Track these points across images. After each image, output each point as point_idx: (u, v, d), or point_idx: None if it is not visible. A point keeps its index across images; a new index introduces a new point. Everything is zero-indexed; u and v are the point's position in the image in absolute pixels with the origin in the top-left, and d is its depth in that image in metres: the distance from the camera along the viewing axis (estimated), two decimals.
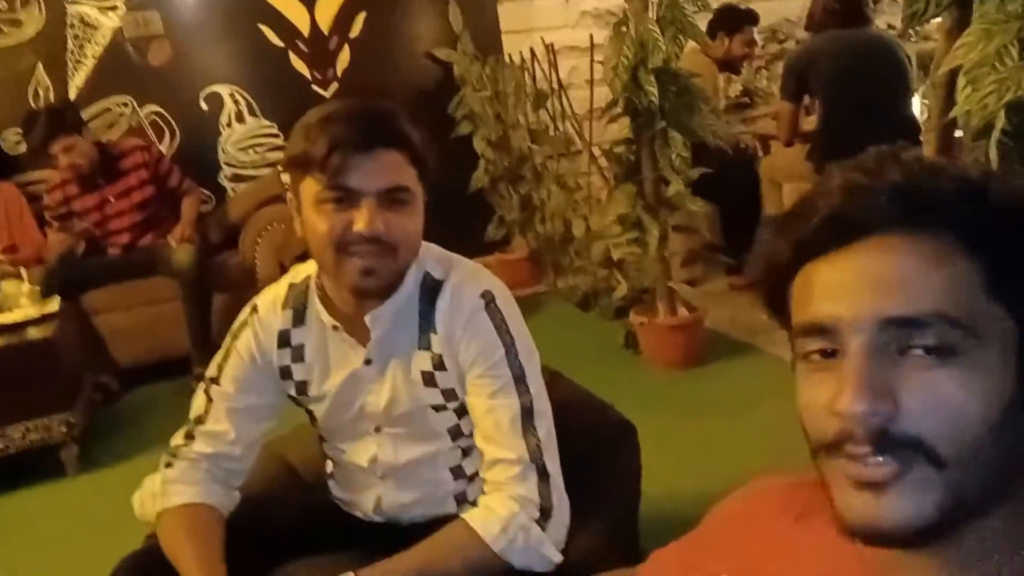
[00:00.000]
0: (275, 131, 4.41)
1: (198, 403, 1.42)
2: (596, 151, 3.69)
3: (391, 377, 1.34)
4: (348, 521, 1.49)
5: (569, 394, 1.64)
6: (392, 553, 1.25)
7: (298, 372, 1.39)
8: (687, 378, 3.11)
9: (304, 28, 4.39)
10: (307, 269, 1.39)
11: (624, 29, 2.98)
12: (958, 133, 1.90)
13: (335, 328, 1.33)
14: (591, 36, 3.77)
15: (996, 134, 1.60)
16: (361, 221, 1.20)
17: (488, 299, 1.32)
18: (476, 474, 1.41)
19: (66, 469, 3.00)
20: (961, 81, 1.73)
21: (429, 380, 1.33)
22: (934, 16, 1.81)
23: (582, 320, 3.87)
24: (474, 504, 1.40)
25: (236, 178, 4.43)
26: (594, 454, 1.54)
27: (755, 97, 5.19)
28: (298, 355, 1.38)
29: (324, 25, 4.42)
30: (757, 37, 4.35)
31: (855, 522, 0.59)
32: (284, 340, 1.38)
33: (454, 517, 1.40)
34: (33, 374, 2.95)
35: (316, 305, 1.35)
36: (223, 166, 4.41)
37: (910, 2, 1.76)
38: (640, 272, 3.20)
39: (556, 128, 4.02)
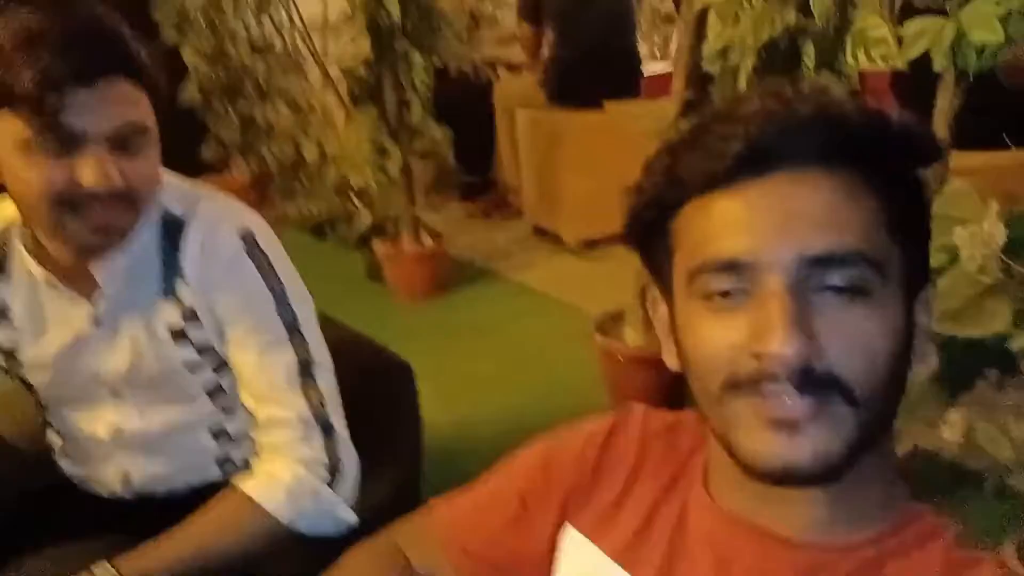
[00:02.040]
0: None
1: None
2: (331, 70, 3.46)
3: (129, 336, 1.15)
4: (89, 501, 1.28)
5: (336, 336, 1.51)
6: (150, 533, 1.09)
7: (3, 337, 1.14)
8: (435, 307, 3.09)
9: None
10: (7, 209, 1.12)
11: None
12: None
13: (51, 282, 1.10)
14: None
15: (747, 71, 1.69)
16: (89, 173, 0.98)
17: (248, 240, 1.15)
18: (240, 434, 1.26)
19: None
20: (712, 18, 1.80)
21: (179, 336, 1.15)
22: None
23: (318, 249, 3.68)
24: (242, 468, 1.27)
25: None
26: (372, 400, 1.45)
27: (480, 20, 5.17)
28: (2, 316, 1.13)
29: None
30: None
31: (766, 462, 0.58)
32: None
33: (219, 484, 1.25)
34: None
35: (22, 254, 1.11)
36: None
37: None
38: (384, 200, 3.08)
39: (284, 42, 3.71)
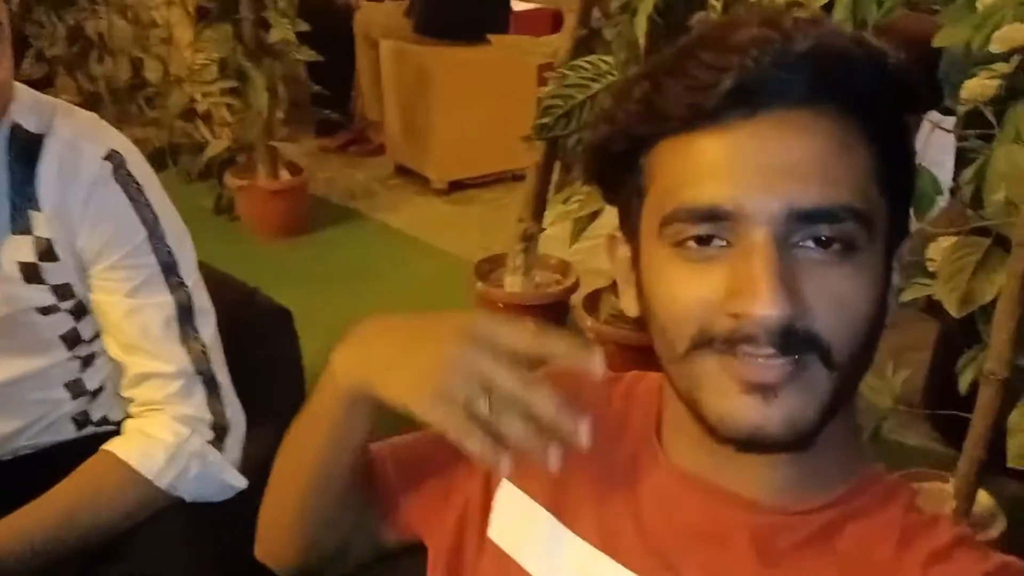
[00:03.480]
0: None
1: None
2: None
3: None
4: None
5: (207, 278, 1.37)
6: None
7: None
8: (294, 248, 2.92)
9: None
10: None
11: None
12: None
13: None
14: None
15: (648, 9, 1.63)
16: None
17: (116, 162, 1.00)
18: (101, 388, 1.12)
19: None
20: None
21: (32, 275, 1.00)
22: None
23: (160, 181, 3.38)
24: (101, 426, 1.13)
25: None
26: (249, 349, 1.32)
27: None
28: None
29: None
30: None
31: (735, 426, 0.54)
32: None
33: (75, 444, 1.11)
34: None
35: None
36: None
37: None
38: (240, 127, 2.84)
39: None
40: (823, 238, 0.52)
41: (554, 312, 2.23)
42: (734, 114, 0.52)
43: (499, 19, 3.59)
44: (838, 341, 0.53)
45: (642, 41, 1.66)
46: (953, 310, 1.31)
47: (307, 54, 2.77)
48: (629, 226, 0.61)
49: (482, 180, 3.49)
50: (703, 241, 0.54)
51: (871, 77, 0.54)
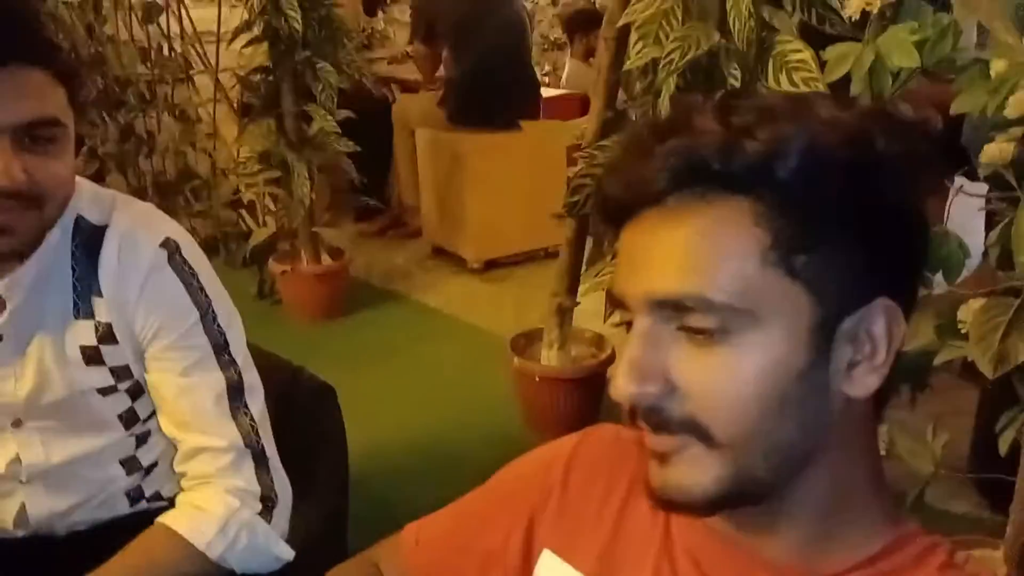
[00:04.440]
0: None
1: None
2: (223, 78, 3.30)
3: (35, 357, 1.03)
4: None
5: (254, 358, 1.42)
6: (51, 574, 0.98)
7: None
8: (336, 329, 2.97)
9: None
10: None
11: None
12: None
13: None
14: None
15: (670, 90, 1.69)
16: None
17: (171, 249, 1.05)
18: (155, 464, 1.16)
19: None
20: (633, 37, 1.81)
21: (93, 357, 1.04)
22: None
23: None
24: (154, 502, 1.16)
25: None
26: (294, 425, 1.35)
27: (372, 39, 5.10)
28: None
29: None
30: None
31: (649, 488, 0.60)
32: None
33: (128, 521, 1.14)
34: None
35: None
36: None
37: None
38: (284, 215, 2.94)
39: (171, 49, 3.52)
40: (691, 327, 0.54)
41: (590, 385, 2.24)
42: (630, 212, 0.58)
43: (529, 106, 3.69)
44: (716, 422, 0.55)
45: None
46: (987, 371, 1.30)
47: (346, 144, 2.88)
48: None
49: (516, 259, 3.55)
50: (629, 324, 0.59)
51: (730, 165, 0.53)
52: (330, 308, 3.03)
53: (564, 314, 2.20)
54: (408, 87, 4.32)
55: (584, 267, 2.13)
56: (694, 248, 0.54)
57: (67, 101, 0.95)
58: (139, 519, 1.11)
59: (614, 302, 0.59)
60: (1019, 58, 1.27)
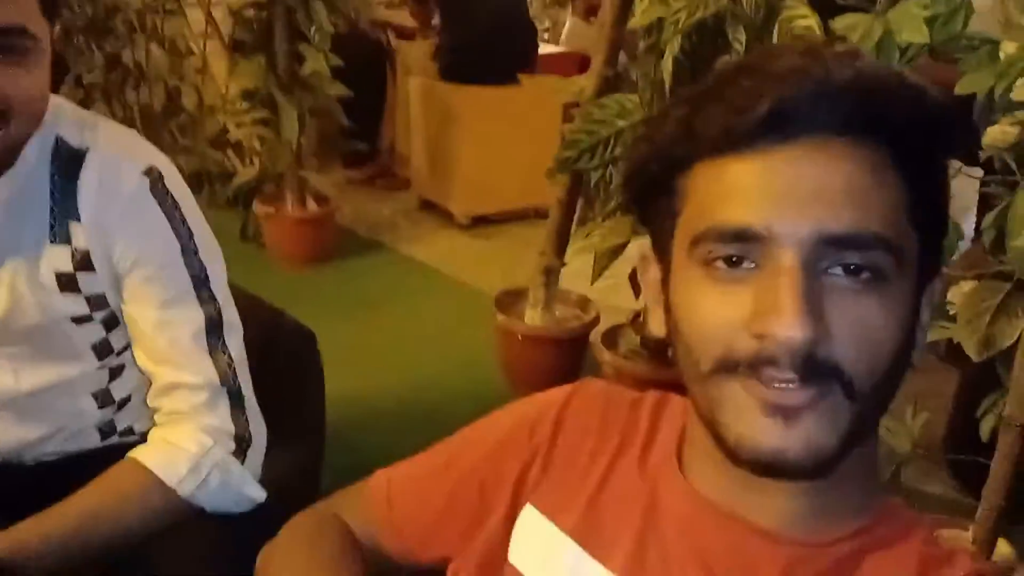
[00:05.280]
0: None
1: None
2: (216, 13, 3.21)
3: (8, 280, 1.00)
4: None
5: (235, 299, 1.39)
6: (16, 506, 0.95)
7: None
8: (318, 276, 2.94)
9: None
10: None
11: None
12: None
13: None
14: None
15: (674, 51, 1.66)
16: None
17: (154, 177, 1.02)
18: (127, 399, 1.14)
19: None
20: None
21: (68, 284, 1.01)
22: None
23: None
24: (126, 436, 1.14)
25: None
26: (273, 368, 1.33)
27: None
28: None
29: None
30: None
31: (756, 448, 0.54)
32: None
33: (98, 453, 1.12)
34: None
35: None
36: None
37: None
38: (270, 157, 2.89)
39: None
40: (852, 266, 0.52)
41: (573, 347, 2.23)
42: (769, 139, 0.53)
43: (525, 62, 3.63)
44: (860, 371, 0.53)
45: (668, 82, 1.68)
46: (973, 354, 1.30)
47: (339, 88, 2.82)
48: (661, 247, 0.62)
49: (505, 216, 3.52)
50: (733, 262, 0.54)
51: (908, 113, 0.55)
52: (314, 254, 3.00)
53: (551, 274, 2.18)
54: (405, 33, 4.24)
55: (574, 227, 2.11)
56: (868, 185, 0.53)
57: (40, 11, 0.91)
58: (110, 453, 1.09)
59: (724, 236, 0.54)
60: None
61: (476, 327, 2.48)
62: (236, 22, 2.83)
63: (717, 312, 0.54)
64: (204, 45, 3.32)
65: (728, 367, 0.54)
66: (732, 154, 0.55)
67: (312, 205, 3.02)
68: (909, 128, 0.55)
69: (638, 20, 1.75)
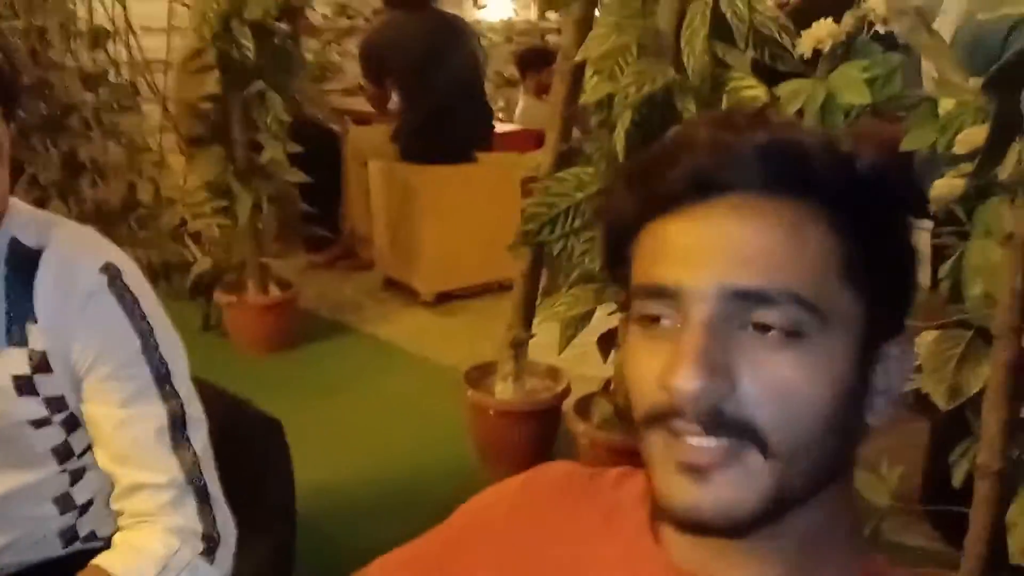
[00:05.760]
0: None
1: None
2: (171, 107, 3.24)
3: None
4: None
5: (198, 391, 1.37)
6: None
7: None
8: (283, 362, 2.90)
9: None
10: None
11: None
12: None
13: None
14: None
15: (625, 124, 1.70)
16: None
17: (112, 274, 1.01)
18: (90, 503, 1.11)
19: None
20: (589, 71, 1.82)
21: (26, 387, 0.99)
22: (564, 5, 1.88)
23: None
24: (90, 542, 1.11)
25: None
26: (239, 459, 1.30)
27: (327, 72, 5.09)
28: None
29: None
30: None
31: (673, 507, 0.55)
32: None
33: (61, 561, 1.09)
34: None
35: None
36: None
37: None
38: (228, 246, 2.88)
39: (118, 75, 3.45)
40: (764, 322, 0.52)
41: (546, 418, 2.22)
42: (690, 200, 0.55)
43: (482, 141, 3.70)
44: (776, 429, 0.52)
45: (621, 154, 1.72)
46: (941, 403, 1.31)
47: (297, 175, 2.85)
48: (625, 313, 0.62)
49: (470, 291, 3.53)
50: (656, 320, 0.56)
51: (829, 171, 0.55)
52: (278, 340, 2.96)
53: (519, 346, 2.18)
54: (361, 119, 4.29)
55: (539, 299, 2.12)
56: (782, 241, 0.53)
57: (1, 118, 0.91)
58: (73, 561, 1.05)
59: (650, 293, 0.56)
60: (966, 97, 1.30)
61: (446, 404, 2.45)
62: (192, 116, 2.85)
63: (643, 366, 0.56)
64: (160, 139, 3.33)
65: (649, 421, 0.55)
66: (664, 216, 0.57)
67: (275, 291, 3.00)
68: (833, 188, 0.55)
69: (588, 97, 1.79)
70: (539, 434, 2.18)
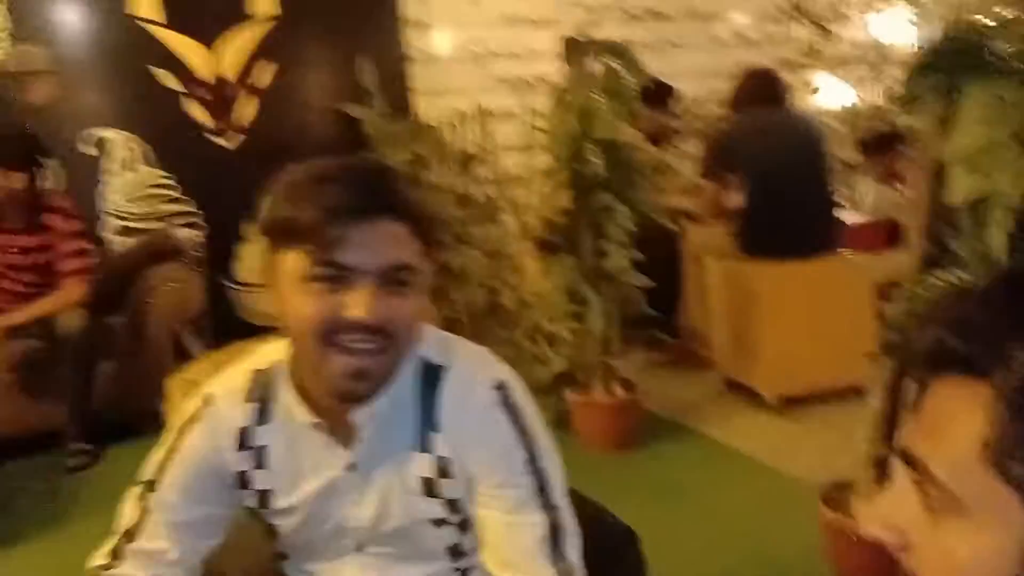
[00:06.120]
0: (171, 181, 4.05)
1: (129, 513, 1.14)
2: (526, 218, 3.55)
3: (380, 486, 1.13)
4: None
5: None
6: None
7: (260, 480, 1.14)
8: (628, 462, 2.96)
9: (206, 74, 4.10)
10: (273, 353, 1.15)
11: (567, 98, 2.89)
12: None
13: (315, 426, 1.10)
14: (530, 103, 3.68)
15: (1006, 226, 1.55)
16: (358, 306, 1.00)
17: (503, 391, 1.13)
18: None
19: None
20: (957, 169, 1.69)
21: (430, 489, 1.12)
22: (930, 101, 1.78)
23: None
24: None
25: (125, 231, 4.01)
26: (599, 569, 1.34)
27: (663, 173, 5.25)
28: (261, 459, 1.14)
29: (230, 73, 4.15)
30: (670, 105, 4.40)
31: None
32: (245, 441, 1.13)
33: None
34: None
35: (288, 398, 1.12)
36: (109, 217, 4.00)
37: (910, 88, 1.72)
38: (579, 347, 3.04)
39: (483, 193, 3.88)
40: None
41: None
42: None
43: (828, 235, 3.55)
44: None
45: (1002, 255, 1.57)
46: None
47: (640, 279, 2.95)
48: None
49: (819, 396, 3.35)
50: None
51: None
52: (622, 439, 3.04)
53: (882, 465, 2.01)
54: (696, 218, 4.35)
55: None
56: (932, 413, 0.54)
57: (420, 252, 1.06)
58: None
59: None
60: None
61: (797, 518, 2.33)
62: (546, 227, 3.10)
63: None
64: (518, 248, 3.65)
65: None
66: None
67: (619, 391, 3.10)
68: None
69: (955, 197, 1.66)
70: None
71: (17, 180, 3.24)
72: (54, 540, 2.68)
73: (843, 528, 2.03)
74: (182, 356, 3.71)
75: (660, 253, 3.77)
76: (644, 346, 4.06)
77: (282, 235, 1.03)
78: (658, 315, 3.76)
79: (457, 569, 1.18)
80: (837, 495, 2.12)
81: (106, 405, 3.40)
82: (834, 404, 3.30)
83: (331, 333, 1.01)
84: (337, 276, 1.00)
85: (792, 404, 3.35)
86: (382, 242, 1.01)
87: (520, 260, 3.71)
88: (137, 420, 3.44)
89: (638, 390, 3.16)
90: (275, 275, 1.05)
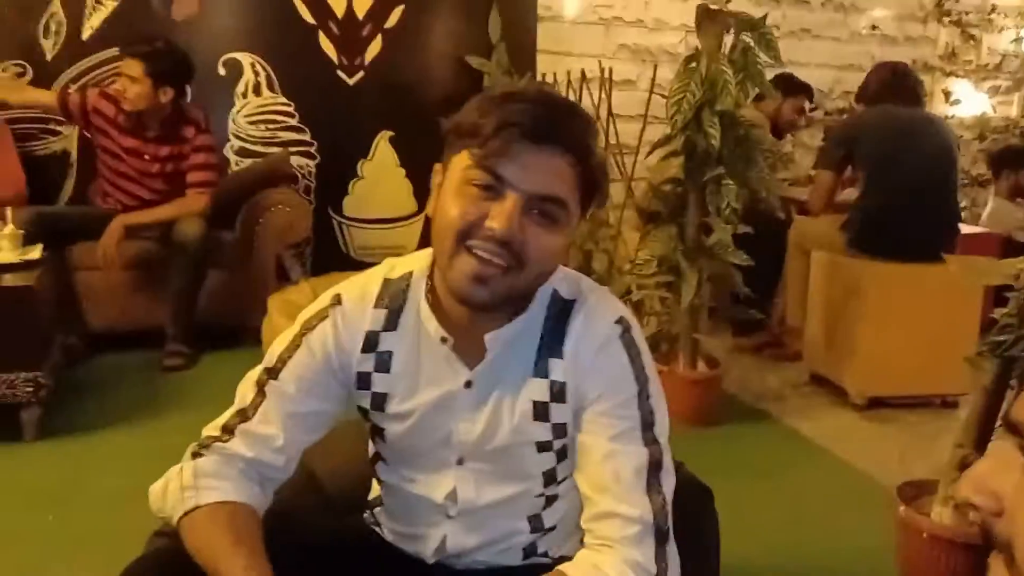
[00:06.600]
0: (291, 109, 4.19)
1: (245, 394, 1.19)
2: (634, 186, 3.55)
3: (494, 405, 1.16)
4: (386, 554, 1.30)
5: None
6: None
7: (379, 383, 1.19)
8: (704, 437, 2.96)
9: (339, 10, 4.21)
10: (408, 264, 1.20)
11: (694, 65, 2.87)
12: None
13: (444, 341, 1.15)
14: (654, 68, 3.67)
15: None
16: (498, 217, 1.03)
17: (625, 326, 1.16)
18: (553, 528, 1.24)
19: (24, 432, 2.73)
20: None
21: (541, 413, 1.15)
22: None
23: None
24: (542, 560, 1.25)
25: (242, 152, 4.19)
26: (677, 516, 1.38)
27: (778, 161, 5.15)
28: (383, 363, 1.18)
29: (360, 10, 4.24)
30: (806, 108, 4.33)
31: None
32: (371, 344, 1.18)
33: (517, 570, 1.24)
34: (4, 325, 2.68)
35: (420, 310, 1.17)
36: (231, 138, 4.17)
37: None
38: (668, 318, 3.05)
39: None
40: None
41: (982, 553, 1.97)
42: None
43: (944, 241, 3.43)
44: None
45: None
46: None
47: (740, 256, 2.92)
48: None
49: (905, 400, 3.29)
50: None
51: None
52: (701, 415, 3.04)
53: (966, 468, 1.97)
54: (804, 210, 4.26)
55: (999, 420, 1.91)
56: None
57: (578, 193, 1.07)
58: (527, 571, 1.21)
59: None
60: None
61: (869, 516, 2.31)
62: (653, 195, 3.09)
63: None
64: (621, 215, 3.65)
65: None
66: None
67: (702, 367, 3.10)
68: None
69: None
70: (969, 570, 1.94)
71: (165, 94, 3.42)
72: (150, 427, 2.86)
73: (914, 524, 2.01)
74: (282, 278, 3.88)
75: (764, 238, 3.71)
76: (733, 329, 4.04)
77: (459, 136, 1.07)
78: (752, 299, 3.73)
79: (544, 496, 1.21)
80: (913, 494, 2.10)
81: (208, 314, 3.59)
82: (919, 411, 3.23)
83: (467, 236, 1.04)
84: (491, 185, 1.03)
85: (876, 405, 3.29)
86: (543, 169, 1.04)
87: (620, 227, 3.71)
88: (235, 332, 3.63)
89: (721, 369, 3.15)
90: (444, 177, 1.09)
